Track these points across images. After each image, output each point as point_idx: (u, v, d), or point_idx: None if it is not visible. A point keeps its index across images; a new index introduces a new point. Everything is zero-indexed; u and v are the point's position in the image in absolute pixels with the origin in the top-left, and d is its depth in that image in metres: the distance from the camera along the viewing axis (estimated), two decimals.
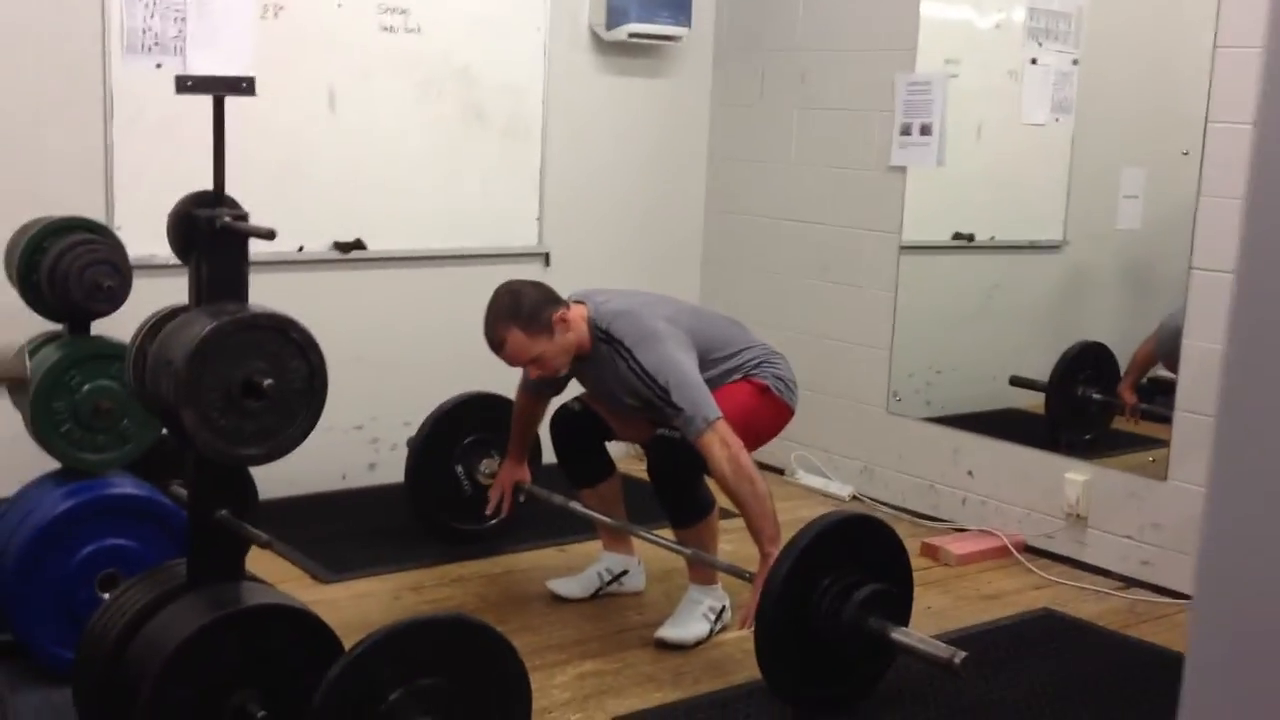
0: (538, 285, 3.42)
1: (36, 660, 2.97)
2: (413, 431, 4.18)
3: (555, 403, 3.79)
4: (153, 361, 2.41)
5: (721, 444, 3.20)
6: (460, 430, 4.07)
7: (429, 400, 4.55)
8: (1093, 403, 4.65)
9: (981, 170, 4.92)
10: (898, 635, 2.96)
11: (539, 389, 3.71)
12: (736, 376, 3.45)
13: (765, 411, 3.49)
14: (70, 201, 3.69)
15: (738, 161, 5.25)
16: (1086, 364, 4.69)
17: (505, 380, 4.21)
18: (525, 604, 3.66)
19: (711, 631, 3.44)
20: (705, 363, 3.40)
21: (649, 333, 3.35)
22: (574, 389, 3.74)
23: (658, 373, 3.27)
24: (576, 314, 3.39)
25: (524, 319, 3.31)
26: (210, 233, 2.43)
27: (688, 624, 3.42)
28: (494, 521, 4.10)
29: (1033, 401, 4.89)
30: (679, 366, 3.29)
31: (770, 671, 2.96)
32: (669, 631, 3.40)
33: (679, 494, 3.40)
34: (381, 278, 4.56)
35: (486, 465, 4.03)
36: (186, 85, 2.39)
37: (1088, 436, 4.67)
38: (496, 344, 3.36)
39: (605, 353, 3.38)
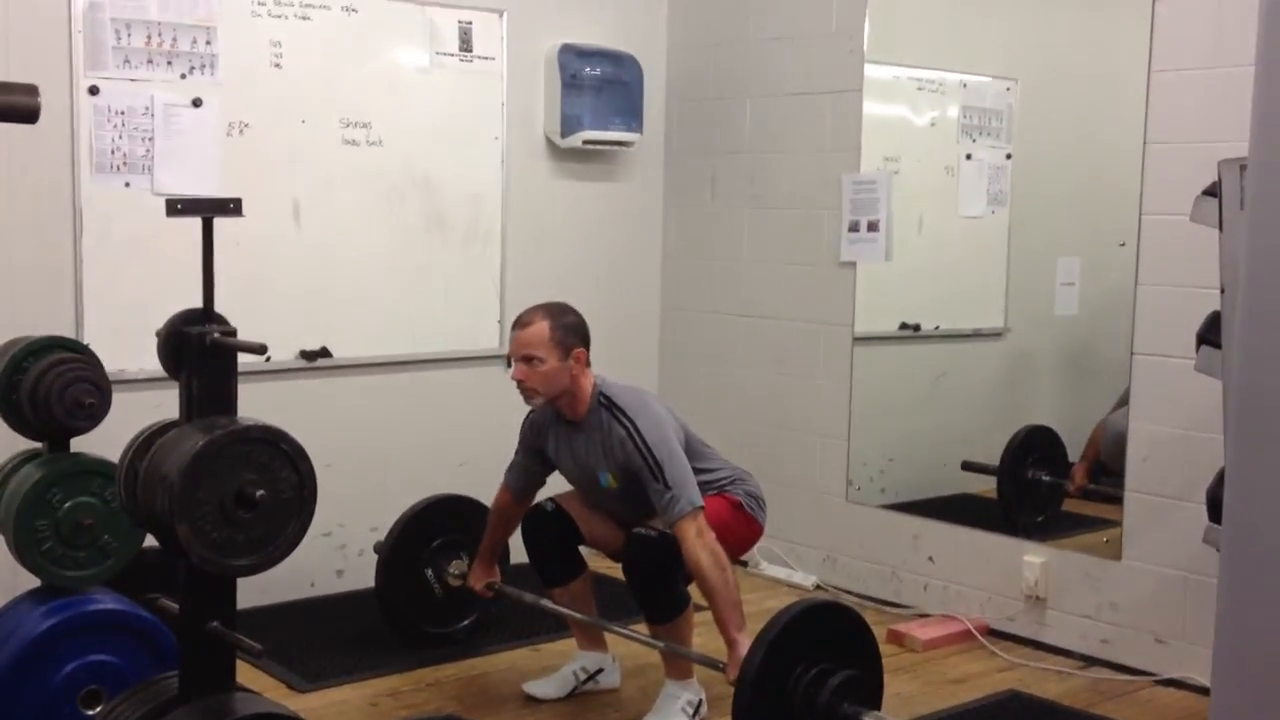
0: (586, 325, 3.53)
1: None
2: (380, 536, 4.22)
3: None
4: (145, 477, 2.46)
5: (700, 531, 3.29)
6: (428, 533, 4.11)
7: (395, 505, 4.59)
8: (1042, 484, 4.78)
9: (924, 262, 5.08)
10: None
11: (521, 492, 3.77)
12: (711, 491, 3.54)
13: (737, 527, 3.58)
14: (40, 319, 3.75)
15: (692, 259, 5.39)
16: (1034, 447, 4.82)
17: (471, 483, 4.28)
18: (502, 705, 3.69)
19: None
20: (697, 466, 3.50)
21: (652, 411, 3.47)
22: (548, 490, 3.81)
23: (656, 447, 3.36)
24: (589, 374, 3.51)
25: (559, 325, 3.44)
26: (200, 349, 2.49)
27: (667, 718, 3.47)
28: (465, 623, 4.14)
29: (985, 486, 5.01)
30: (674, 449, 3.39)
31: None
32: None
33: (656, 591, 3.46)
34: (347, 385, 4.62)
35: (456, 567, 4.07)
36: (177, 209, 2.47)
37: (1040, 518, 4.79)
38: (523, 322, 3.47)
39: (602, 420, 3.46)
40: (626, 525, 3.55)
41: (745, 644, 3.12)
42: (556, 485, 3.81)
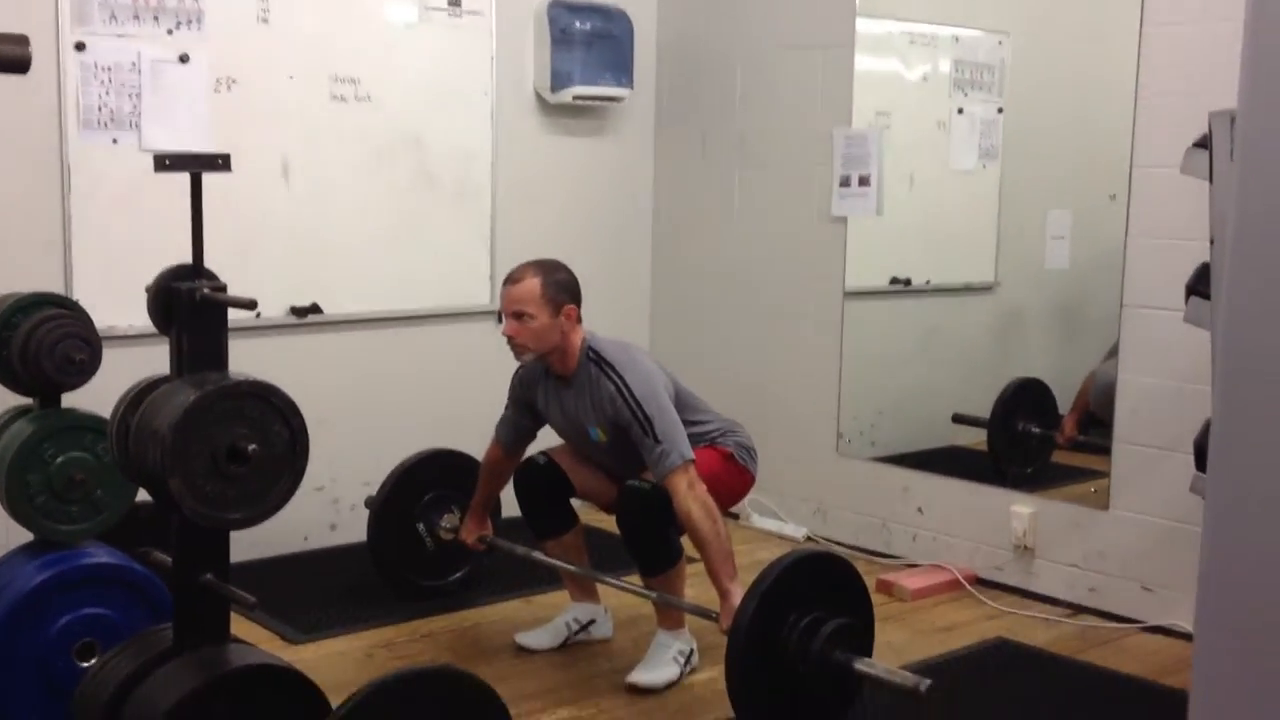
0: (577, 282, 3.53)
1: None
2: (372, 491, 4.24)
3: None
4: (137, 432, 2.47)
5: (691, 484, 3.32)
6: (420, 487, 4.13)
7: (388, 459, 4.61)
8: (1032, 436, 4.81)
9: (915, 217, 5.08)
10: (864, 667, 3.06)
11: (512, 446, 3.79)
12: (702, 443, 3.56)
13: (728, 477, 3.61)
14: (29, 275, 3.74)
15: (683, 216, 5.39)
16: (1025, 400, 4.85)
17: (462, 438, 4.30)
18: (496, 656, 3.72)
19: (681, 674, 3.52)
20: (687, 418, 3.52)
21: (641, 367, 3.49)
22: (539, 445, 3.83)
23: (645, 402, 3.39)
24: (579, 330, 3.52)
25: (550, 282, 3.45)
26: (190, 304, 2.50)
27: (658, 668, 3.50)
28: (458, 576, 4.17)
29: (975, 438, 5.04)
30: (664, 403, 3.42)
31: (742, 708, 3.04)
32: (640, 676, 3.48)
33: (650, 543, 3.48)
34: (338, 341, 4.64)
35: (448, 520, 4.09)
36: (165, 164, 2.46)
37: (1029, 469, 4.82)
38: (514, 279, 3.48)
39: (591, 375, 3.48)
40: (618, 478, 3.57)
41: (738, 594, 3.15)
42: (547, 439, 3.82)
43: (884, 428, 5.09)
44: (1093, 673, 3.67)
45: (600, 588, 3.84)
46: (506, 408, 3.79)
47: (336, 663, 3.63)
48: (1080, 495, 4.33)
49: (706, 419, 3.65)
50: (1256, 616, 1.10)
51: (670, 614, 3.57)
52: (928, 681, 2.97)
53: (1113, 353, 4.13)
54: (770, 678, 3.05)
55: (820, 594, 3.14)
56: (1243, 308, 1.13)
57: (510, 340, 3.51)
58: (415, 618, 4.00)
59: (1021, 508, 4.35)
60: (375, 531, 4.10)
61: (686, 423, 3.48)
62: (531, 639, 3.78)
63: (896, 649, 3.83)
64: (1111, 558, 4.11)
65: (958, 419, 4.98)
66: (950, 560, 4.50)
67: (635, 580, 3.63)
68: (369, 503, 4.16)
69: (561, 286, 3.48)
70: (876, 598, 4.22)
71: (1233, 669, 1.09)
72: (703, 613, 3.41)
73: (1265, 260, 1.12)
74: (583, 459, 3.73)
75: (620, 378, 3.44)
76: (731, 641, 3.04)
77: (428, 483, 4.14)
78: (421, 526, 4.11)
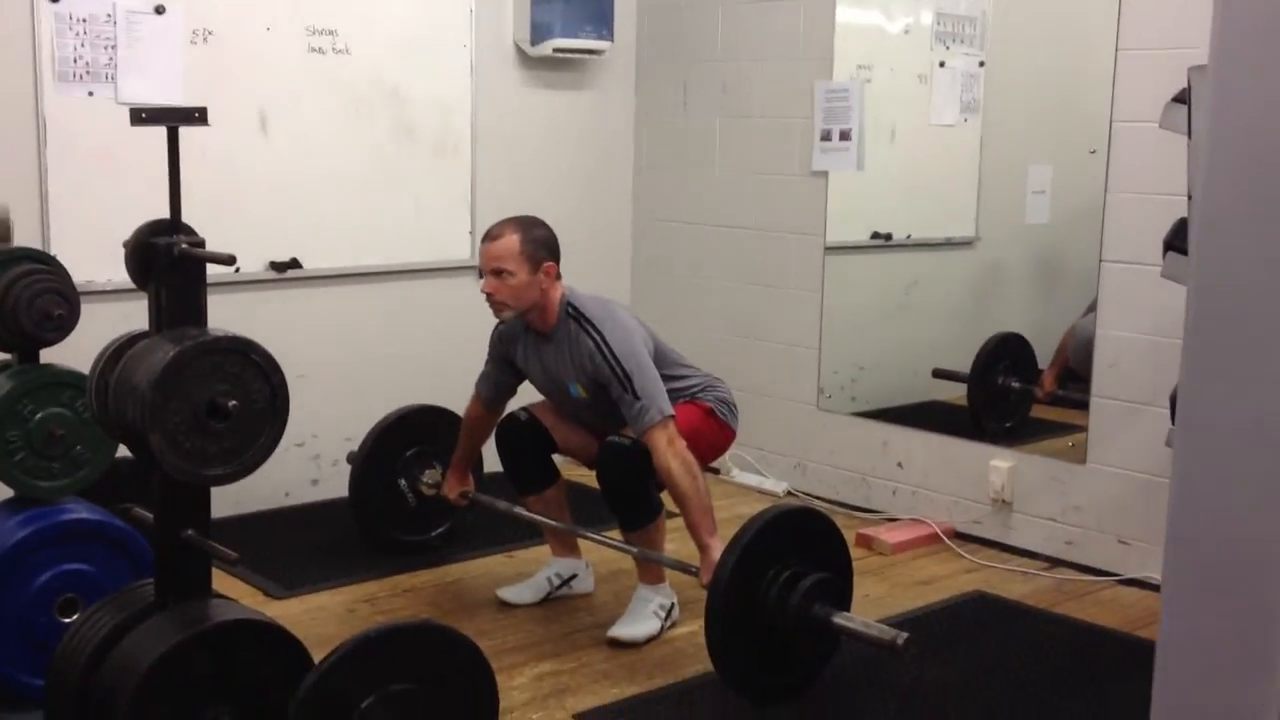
0: (556, 239, 3.53)
1: None
2: (354, 446, 4.24)
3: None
4: (116, 388, 2.46)
5: (670, 440, 3.33)
6: (401, 443, 4.13)
7: (369, 415, 4.60)
8: (1012, 391, 4.83)
9: (896, 171, 5.08)
10: (842, 621, 3.09)
11: (492, 402, 3.79)
12: (682, 399, 3.57)
13: (708, 433, 3.62)
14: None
15: (663, 170, 5.37)
16: (1005, 354, 4.87)
17: (443, 393, 4.29)
18: (478, 610, 3.74)
19: (662, 628, 3.55)
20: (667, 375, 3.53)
21: (620, 322, 3.49)
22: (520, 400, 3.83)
23: (624, 359, 3.39)
24: (558, 287, 3.51)
25: (529, 239, 3.45)
26: (168, 260, 2.48)
27: (639, 622, 3.53)
28: (439, 531, 4.18)
29: (954, 393, 5.07)
30: (643, 359, 3.42)
31: (721, 661, 3.07)
32: (621, 630, 3.51)
33: (630, 498, 3.50)
34: (318, 296, 4.62)
35: (429, 476, 4.10)
36: (141, 118, 2.44)
37: (1008, 424, 4.85)
38: (493, 235, 3.48)
39: (570, 331, 3.48)
40: (599, 433, 3.58)
41: (718, 549, 3.17)
42: (529, 395, 3.82)
43: (864, 383, 5.11)
44: (1069, 625, 3.71)
45: (581, 542, 3.85)
46: (487, 363, 3.79)
47: (318, 618, 3.64)
48: (1058, 450, 4.36)
49: (687, 374, 3.66)
50: (1222, 563, 1.12)
51: (651, 568, 3.59)
52: (905, 635, 3.00)
53: (1092, 308, 4.15)
54: (749, 631, 3.08)
55: (800, 548, 3.16)
56: (1212, 263, 1.14)
57: (489, 297, 3.51)
58: (397, 573, 4.02)
59: (1000, 462, 4.38)
60: (357, 487, 4.10)
61: (667, 378, 3.49)
62: (513, 594, 3.80)
63: (876, 602, 3.86)
64: (1088, 511, 4.15)
65: (938, 374, 5.00)
66: (929, 514, 4.54)
67: (616, 535, 3.65)
68: (351, 458, 4.16)
69: (540, 243, 3.47)
70: (856, 552, 4.26)
71: (1198, 619, 1.11)
72: (682, 567, 3.43)
73: (1233, 216, 1.12)
74: (564, 415, 3.73)
75: (599, 334, 3.44)
76: (711, 596, 3.06)
77: (409, 438, 4.14)
78: (403, 482, 4.12)
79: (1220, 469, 1.11)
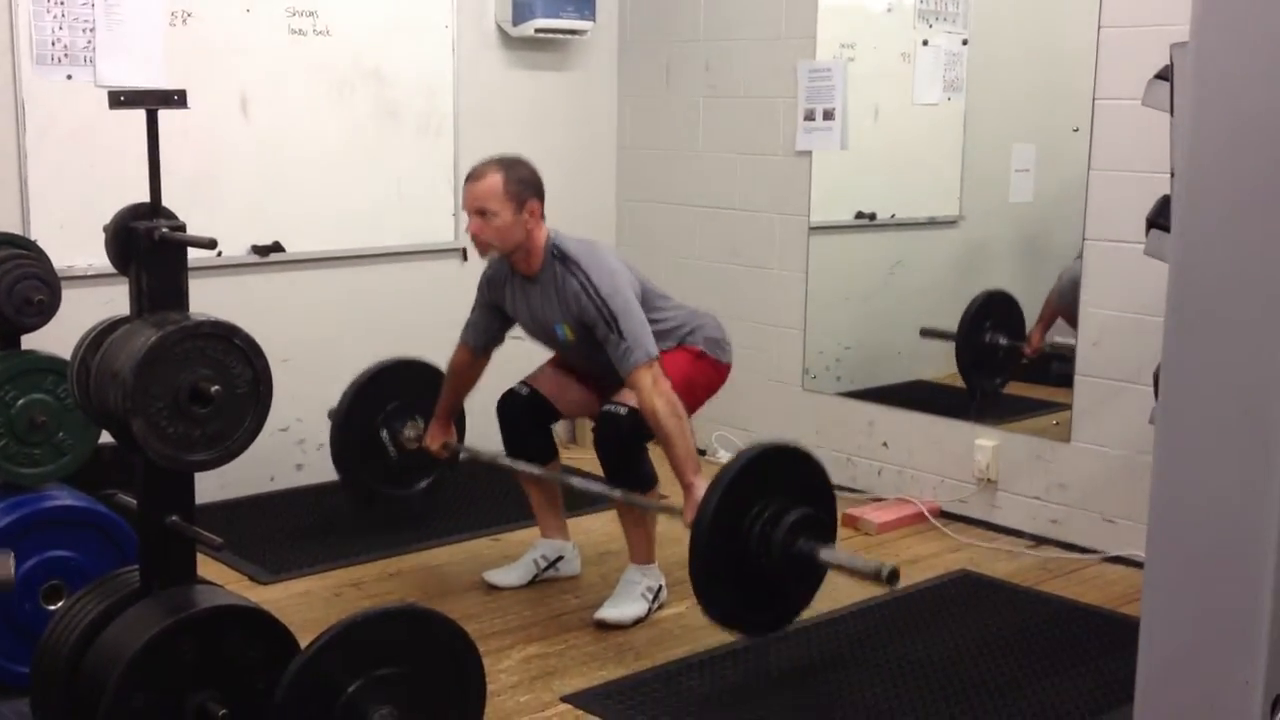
0: (540, 179, 3.50)
1: None
2: None
3: (498, 383, 3.83)
4: (97, 373, 2.45)
5: (655, 380, 3.31)
6: (382, 396, 4.05)
7: None
8: (1000, 348, 4.81)
9: (879, 150, 5.07)
10: (827, 555, 3.08)
11: (479, 350, 3.74)
12: (671, 343, 3.55)
13: (702, 376, 3.60)
14: None
15: (646, 150, 5.35)
16: (992, 311, 4.82)
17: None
18: (464, 594, 3.74)
19: (649, 610, 3.55)
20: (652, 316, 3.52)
21: (605, 264, 3.46)
22: (511, 363, 3.80)
23: (610, 298, 3.37)
24: (543, 227, 3.49)
25: (513, 178, 3.42)
26: (149, 244, 2.46)
27: (626, 604, 3.53)
28: (422, 486, 4.12)
29: (939, 372, 5.08)
30: (629, 300, 3.39)
31: (707, 599, 3.05)
32: (608, 612, 3.51)
33: (624, 467, 3.49)
34: (301, 279, 4.60)
35: (411, 429, 4.01)
36: (120, 101, 2.42)
37: (997, 380, 4.82)
38: (476, 175, 3.45)
39: (556, 273, 3.45)
40: (597, 389, 3.59)
41: (702, 487, 3.15)
42: (524, 366, 3.81)
43: (849, 362, 5.12)
44: (1054, 603, 3.72)
45: (570, 523, 3.85)
46: (473, 311, 3.74)
47: (304, 602, 3.64)
48: (1042, 428, 4.37)
49: (674, 313, 3.62)
50: (1203, 537, 1.12)
51: (640, 549, 3.59)
52: (890, 565, 3.01)
53: (1080, 255, 4.13)
54: (734, 569, 3.04)
55: (783, 486, 3.12)
56: (1194, 239, 1.14)
57: (474, 238, 3.47)
58: (384, 557, 4.01)
59: (985, 441, 4.39)
60: (338, 440, 4.03)
61: (654, 320, 3.47)
62: (500, 576, 3.79)
63: (861, 581, 3.86)
64: (1073, 489, 4.16)
65: (925, 333, 4.97)
66: (915, 494, 4.55)
67: (609, 516, 3.65)
68: (331, 413, 4.09)
69: (525, 183, 3.44)
70: (843, 532, 4.26)
71: (1181, 596, 1.11)
72: (667, 509, 3.41)
73: (1216, 191, 1.12)
74: (562, 378, 3.72)
75: (585, 274, 3.41)
76: (695, 534, 3.02)
77: (390, 392, 4.05)
78: (385, 434, 4.03)
79: (1203, 445, 1.11)
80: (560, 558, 3.83)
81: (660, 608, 3.59)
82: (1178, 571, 1.12)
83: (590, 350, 3.49)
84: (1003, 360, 4.81)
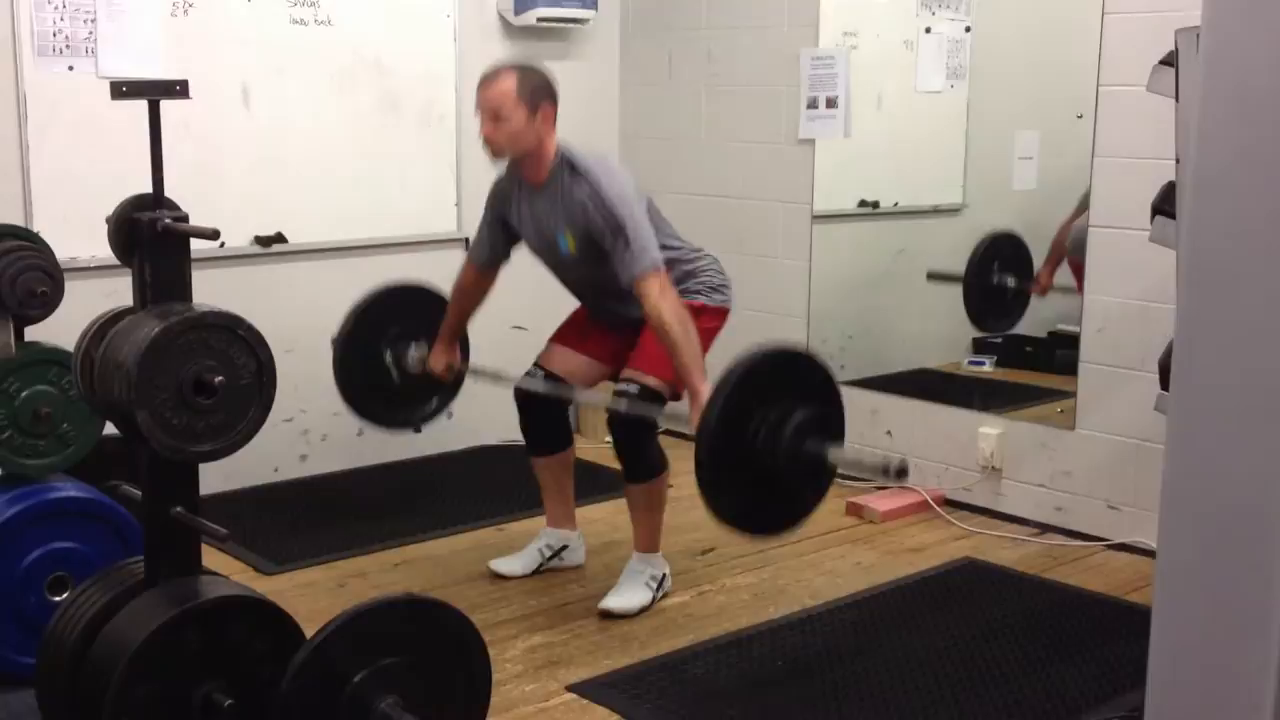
0: (554, 84, 3.47)
1: None
2: (342, 421, 4.22)
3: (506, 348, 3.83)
4: (101, 365, 2.44)
5: (661, 288, 3.28)
6: (384, 320, 3.94)
7: None
8: (1008, 290, 4.78)
9: (882, 138, 5.06)
10: (835, 454, 3.01)
11: (485, 266, 3.70)
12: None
13: (703, 332, 3.49)
14: None
15: (649, 139, 5.34)
16: (1000, 252, 4.79)
17: None
18: (469, 583, 3.74)
19: (654, 599, 3.55)
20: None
21: (615, 174, 3.44)
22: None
23: (617, 205, 3.32)
24: (554, 136, 3.46)
25: (527, 83, 3.39)
26: (152, 235, 2.46)
27: (631, 593, 3.53)
28: (427, 410, 4.02)
29: (942, 360, 5.08)
30: (636, 209, 3.36)
31: (716, 503, 3.00)
32: (613, 601, 3.51)
33: (634, 451, 3.49)
34: (304, 270, 4.59)
35: (415, 351, 3.89)
36: (122, 91, 2.42)
37: (1006, 321, 4.79)
38: (490, 77, 3.43)
39: (564, 181, 3.41)
40: (607, 352, 3.59)
41: (707, 392, 3.08)
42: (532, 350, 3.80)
43: (853, 351, 5.11)
44: (1059, 591, 3.72)
45: (577, 515, 3.85)
46: (480, 227, 3.70)
47: (309, 593, 3.64)
48: (1047, 416, 4.36)
49: (676, 244, 3.58)
50: (1218, 527, 1.12)
51: (646, 537, 3.59)
52: (899, 458, 2.96)
53: (1083, 206, 4.12)
54: (741, 472, 2.99)
55: (788, 387, 3.05)
56: (1204, 225, 1.13)
57: (486, 141, 3.44)
58: (389, 547, 4.02)
59: (989, 429, 4.39)
60: (341, 364, 3.92)
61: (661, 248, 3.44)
62: (505, 565, 3.80)
63: (866, 570, 3.87)
64: (1078, 477, 4.16)
65: (932, 276, 4.93)
66: (919, 482, 4.54)
67: (613, 507, 3.64)
68: (334, 340, 3.97)
69: (539, 88, 3.40)
70: (846, 520, 4.30)
71: (1193, 584, 1.11)
72: (674, 415, 3.38)
73: (1227, 176, 1.11)
74: (571, 354, 3.68)
75: (594, 182, 3.36)
76: (700, 438, 2.96)
77: (393, 316, 3.95)
78: (388, 357, 3.91)
79: (1216, 431, 1.10)
80: (565, 547, 3.83)
81: (664, 596, 3.60)
82: (1190, 556, 1.11)
83: (590, 268, 3.44)
84: (1012, 302, 4.76)
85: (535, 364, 3.73)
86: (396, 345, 3.93)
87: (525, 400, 3.71)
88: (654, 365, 3.43)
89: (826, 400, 3.13)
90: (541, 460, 3.78)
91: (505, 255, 3.71)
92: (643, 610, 3.52)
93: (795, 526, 3.19)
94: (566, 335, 3.75)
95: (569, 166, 3.42)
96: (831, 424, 3.09)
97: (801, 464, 2.98)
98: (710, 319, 3.59)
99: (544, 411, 3.71)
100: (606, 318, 3.61)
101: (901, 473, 2.99)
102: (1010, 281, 4.74)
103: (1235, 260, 1.07)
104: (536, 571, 3.79)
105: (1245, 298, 1.05)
